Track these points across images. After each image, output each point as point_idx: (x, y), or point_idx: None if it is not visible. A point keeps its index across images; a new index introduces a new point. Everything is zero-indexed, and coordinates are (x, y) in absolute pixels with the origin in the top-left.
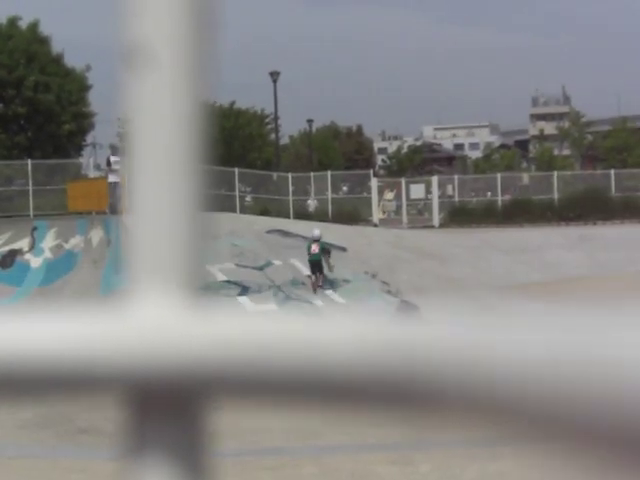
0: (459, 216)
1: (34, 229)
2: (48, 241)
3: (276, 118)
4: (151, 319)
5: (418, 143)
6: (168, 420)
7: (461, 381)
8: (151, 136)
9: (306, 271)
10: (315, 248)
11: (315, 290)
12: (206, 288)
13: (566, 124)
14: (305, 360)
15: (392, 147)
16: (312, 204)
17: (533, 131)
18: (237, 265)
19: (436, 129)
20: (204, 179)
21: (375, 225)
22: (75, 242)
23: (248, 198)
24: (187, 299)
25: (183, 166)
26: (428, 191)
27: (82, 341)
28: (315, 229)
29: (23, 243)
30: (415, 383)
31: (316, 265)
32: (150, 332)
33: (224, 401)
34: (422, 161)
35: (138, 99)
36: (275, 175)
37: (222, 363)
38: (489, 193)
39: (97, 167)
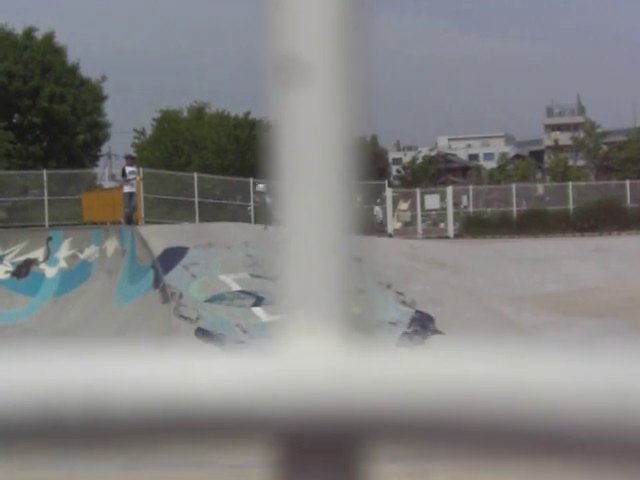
0: (474, 226)
1: (49, 239)
2: (63, 251)
3: None
4: (306, 360)
5: (433, 153)
6: (324, 465)
7: None
8: (302, 155)
9: None
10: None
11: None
12: (362, 328)
13: (581, 135)
14: (484, 406)
15: (407, 157)
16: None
17: (548, 141)
18: (251, 275)
19: (451, 139)
20: (356, 206)
21: (390, 235)
22: (90, 252)
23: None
24: (342, 339)
25: (336, 189)
26: (443, 201)
27: (236, 383)
28: (260, 184)
29: (38, 253)
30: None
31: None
32: (305, 373)
33: (386, 448)
34: (437, 171)
35: (290, 114)
36: None
37: (388, 408)
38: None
39: (112, 177)
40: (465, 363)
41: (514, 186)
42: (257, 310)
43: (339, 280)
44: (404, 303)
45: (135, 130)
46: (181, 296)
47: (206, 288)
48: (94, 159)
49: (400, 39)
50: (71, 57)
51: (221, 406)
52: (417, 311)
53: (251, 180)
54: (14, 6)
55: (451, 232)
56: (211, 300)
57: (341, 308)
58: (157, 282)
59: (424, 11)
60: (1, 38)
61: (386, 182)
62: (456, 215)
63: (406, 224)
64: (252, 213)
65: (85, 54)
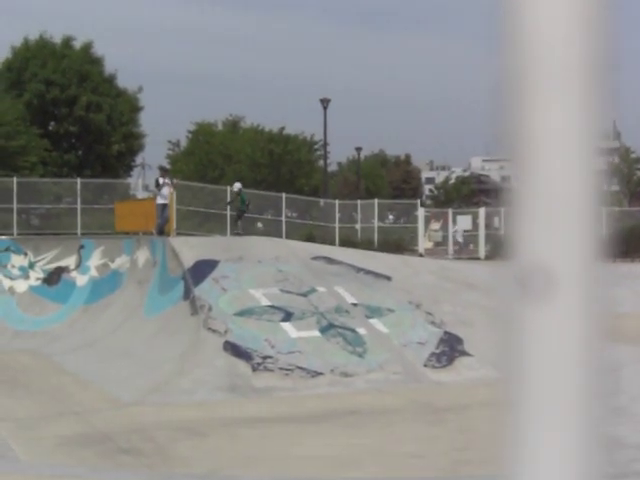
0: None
1: (81, 247)
2: (94, 260)
3: (325, 145)
4: None
5: (466, 174)
6: None
7: None
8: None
9: (351, 299)
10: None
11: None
12: None
13: (616, 160)
14: None
15: (440, 177)
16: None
17: None
18: (281, 290)
19: (484, 160)
20: None
21: (421, 255)
22: (121, 262)
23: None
24: None
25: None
26: (475, 222)
27: None
28: (236, 183)
29: (70, 261)
30: None
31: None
32: None
33: None
34: (469, 192)
35: (533, 330)
36: (322, 201)
37: None
38: None
39: (145, 188)
40: None
41: None
42: (286, 325)
43: None
44: (433, 323)
45: (170, 142)
46: (210, 309)
47: (236, 302)
48: (128, 169)
49: (436, 60)
50: (109, 67)
51: None
52: (446, 332)
53: (283, 195)
54: (53, 15)
55: (482, 253)
56: (240, 314)
57: None
58: (187, 294)
59: (462, 33)
60: (40, 46)
61: (418, 201)
62: (487, 236)
63: (437, 244)
64: (284, 228)
65: (122, 64)
